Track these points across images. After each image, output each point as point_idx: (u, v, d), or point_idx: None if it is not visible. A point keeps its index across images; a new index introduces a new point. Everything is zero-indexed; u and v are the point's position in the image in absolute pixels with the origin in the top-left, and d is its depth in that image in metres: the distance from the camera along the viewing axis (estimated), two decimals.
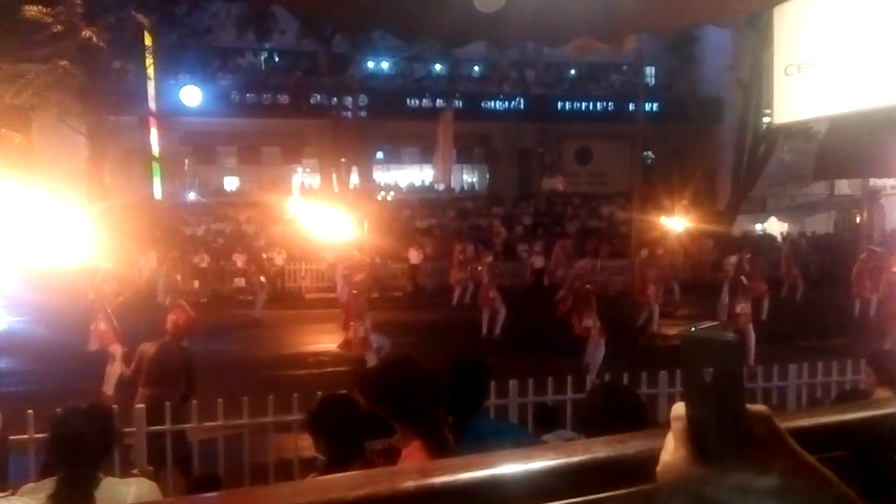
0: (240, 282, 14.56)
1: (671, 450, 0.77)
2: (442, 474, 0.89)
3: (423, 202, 23.03)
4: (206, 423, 4.97)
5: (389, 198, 23.91)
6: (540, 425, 4.61)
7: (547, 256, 17.83)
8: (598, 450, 0.96)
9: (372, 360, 8.37)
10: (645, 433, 0.98)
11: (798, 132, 18.65)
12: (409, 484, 0.87)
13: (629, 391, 2.43)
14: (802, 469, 0.76)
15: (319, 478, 0.87)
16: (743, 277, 9.64)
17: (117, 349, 7.47)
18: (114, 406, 4.67)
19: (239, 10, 19.59)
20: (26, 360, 7.81)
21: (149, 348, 5.38)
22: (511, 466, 0.91)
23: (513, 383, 5.40)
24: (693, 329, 0.77)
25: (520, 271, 18.19)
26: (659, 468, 0.78)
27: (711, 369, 0.74)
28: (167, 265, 10.42)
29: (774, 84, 2.92)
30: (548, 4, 2.84)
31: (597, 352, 8.60)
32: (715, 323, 0.79)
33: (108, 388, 7.27)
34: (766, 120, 20.03)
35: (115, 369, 7.36)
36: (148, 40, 15.56)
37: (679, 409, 0.78)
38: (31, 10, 7.90)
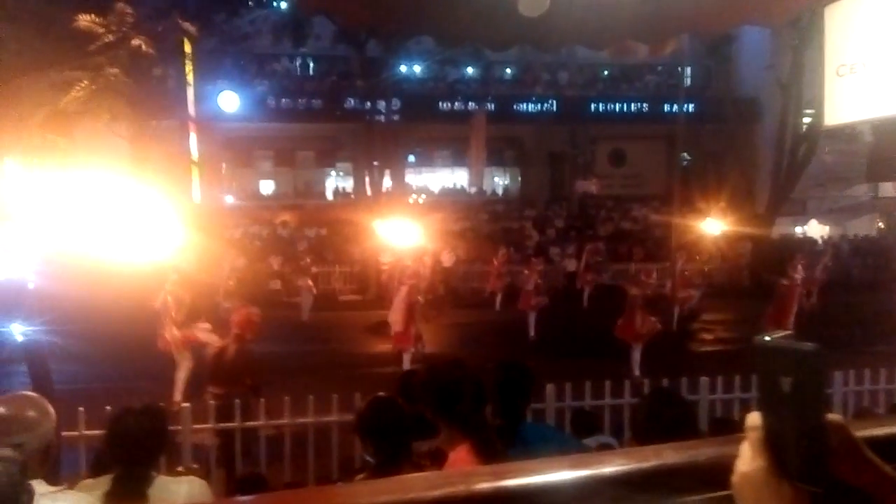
0: (276, 284, 14.80)
1: (748, 459, 0.77)
2: (515, 476, 0.90)
3: (455, 205, 23.08)
4: (248, 423, 5.09)
5: (421, 201, 24.02)
6: (578, 430, 4.58)
7: (579, 259, 17.72)
8: (669, 456, 0.96)
9: (406, 363, 8.43)
10: (716, 440, 0.98)
11: (841, 133, 18.15)
12: (484, 486, 0.88)
13: (682, 400, 2.40)
14: (884, 482, 0.76)
15: (397, 478, 0.89)
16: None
17: (187, 357, 7.60)
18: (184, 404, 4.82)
19: (276, 16, 19.95)
20: (82, 359, 8.01)
21: (211, 349, 5.64)
22: (583, 471, 0.92)
23: (550, 387, 5.37)
24: (769, 338, 0.77)
25: (552, 274, 18.09)
26: (736, 478, 0.78)
27: (790, 379, 0.74)
28: (226, 268, 10.64)
29: (825, 85, 2.86)
30: (592, 8, 2.83)
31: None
32: (788, 332, 0.79)
33: (178, 394, 7.41)
34: (806, 120, 19.55)
35: (182, 375, 7.54)
36: (187, 47, 15.98)
37: (755, 418, 0.78)
38: (84, 20, 8.23)
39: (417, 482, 0.88)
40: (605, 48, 3.14)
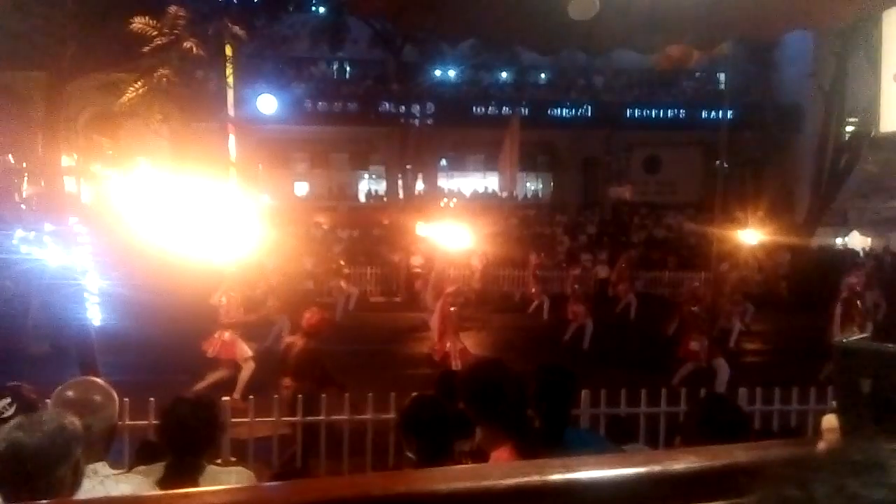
0: (308, 284, 14.93)
1: None
2: (587, 469, 0.92)
3: (487, 209, 23.06)
4: (284, 419, 5.19)
5: (452, 204, 24.07)
6: (613, 437, 4.54)
7: (611, 266, 17.51)
8: (740, 455, 0.96)
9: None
10: (787, 441, 0.97)
11: (885, 142, 17.63)
12: (557, 476, 0.90)
13: (737, 407, 2.37)
14: None
15: (473, 465, 0.91)
16: (858, 301, 9.23)
17: (247, 361, 7.62)
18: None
19: (314, 21, 20.26)
20: (135, 351, 8.19)
21: (285, 343, 6.02)
22: (655, 466, 0.93)
23: (585, 394, 5.33)
24: (846, 340, 0.77)
25: (583, 281, 17.89)
26: None
27: (869, 380, 0.73)
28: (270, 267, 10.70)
29: (882, 91, 2.81)
30: (642, 12, 2.83)
31: (721, 372, 8.22)
32: (865, 335, 0.79)
33: (237, 393, 7.36)
34: (849, 129, 19.05)
35: (245, 376, 7.53)
36: (229, 50, 16.33)
37: (832, 420, 0.78)
38: (138, 23, 8.47)
39: (493, 470, 0.90)
40: (654, 52, 3.13)
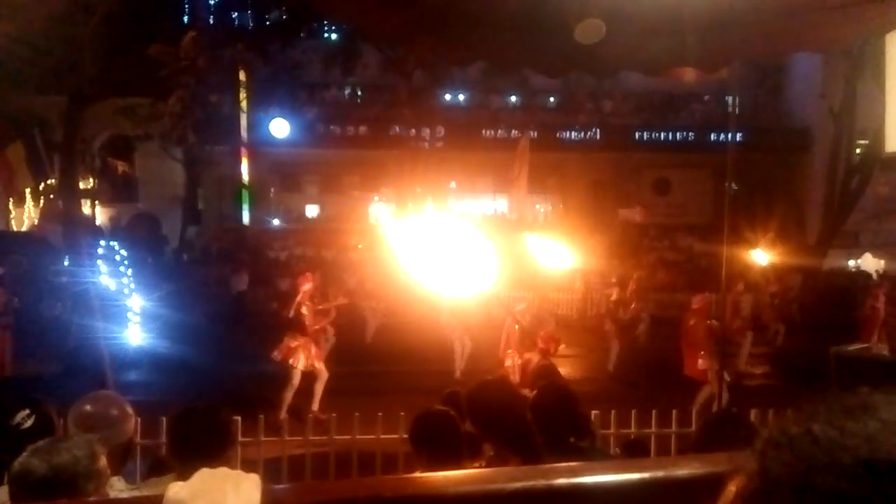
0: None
1: None
2: (592, 474, 0.94)
3: (496, 231, 23.12)
4: (290, 438, 5.20)
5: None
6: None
7: (621, 288, 17.45)
8: (742, 462, 0.98)
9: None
10: None
11: (894, 162, 17.60)
12: (562, 481, 0.92)
13: (747, 421, 2.36)
14: None
15: (480, 470, 0.93)
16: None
17: (321, 369, 7.66)
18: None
19: (326, 46, 20.63)
20: (167, 371, 8.21)
21: (523, 359, 6.22)
22: (658, 472, 0.95)
23: (595, 414, 5.31)
24: (845, 349, 0.79)
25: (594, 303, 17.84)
26: None
27: (867, 388, 0.76)
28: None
29: (888, 112, 2.84)
30: (648, 34, 2.89)
31: (703, 388, 8.01)
32: (865, 345, 0.82)
33: (315, 404, 7.37)
34: (859, 151, 19.04)
35: (319, 388, 7.55)
36: (243, 75, 16.65)
37: None
38: (155, 50, 8.70)
39: (499, 475, 0.92)
40: (659, 74, 3.19)
